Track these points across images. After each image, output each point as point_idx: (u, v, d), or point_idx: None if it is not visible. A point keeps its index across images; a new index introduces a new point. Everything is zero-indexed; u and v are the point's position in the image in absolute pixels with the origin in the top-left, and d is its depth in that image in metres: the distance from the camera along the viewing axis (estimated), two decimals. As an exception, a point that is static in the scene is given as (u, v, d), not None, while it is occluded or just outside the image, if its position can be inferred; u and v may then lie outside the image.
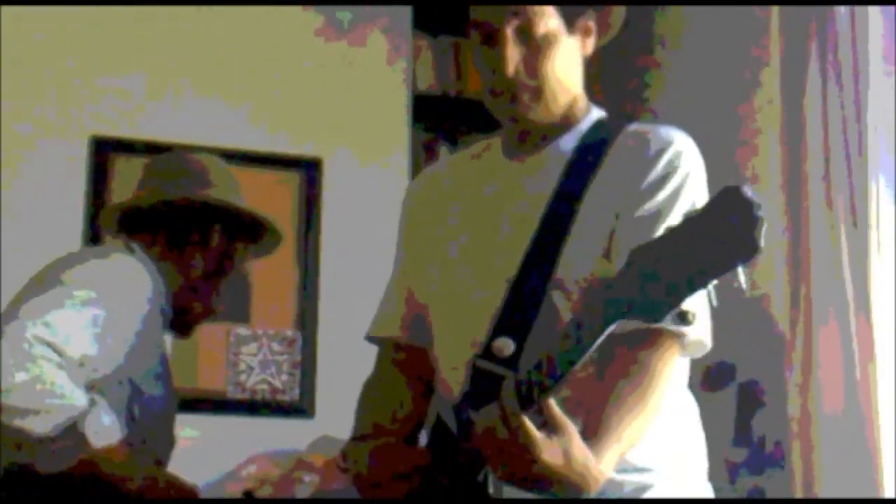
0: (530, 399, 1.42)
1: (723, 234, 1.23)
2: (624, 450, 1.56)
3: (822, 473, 2.79)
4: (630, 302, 1.32)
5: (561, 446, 1.43)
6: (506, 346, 1.65)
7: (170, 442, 2.29)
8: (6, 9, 3.69)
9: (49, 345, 1.92)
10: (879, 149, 2.82)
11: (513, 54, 1.70)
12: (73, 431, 1.91)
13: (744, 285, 1.25)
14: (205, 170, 2.35)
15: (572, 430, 1.45)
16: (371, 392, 1.90)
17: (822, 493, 2.79)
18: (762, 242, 1.22)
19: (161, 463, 2.25)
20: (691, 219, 1.27)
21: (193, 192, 2.30)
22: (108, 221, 2.41)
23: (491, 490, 1.55)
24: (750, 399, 3.23)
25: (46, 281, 2.09)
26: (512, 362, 1.63)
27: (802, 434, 2.85)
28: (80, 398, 1.94)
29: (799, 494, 2.85)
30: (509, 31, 1.70)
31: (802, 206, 2.93)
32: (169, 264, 2.27)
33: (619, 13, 1.82)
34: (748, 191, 1.23)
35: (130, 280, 2.15)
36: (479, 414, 1.49)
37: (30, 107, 3.72)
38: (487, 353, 1.66)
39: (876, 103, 2.83)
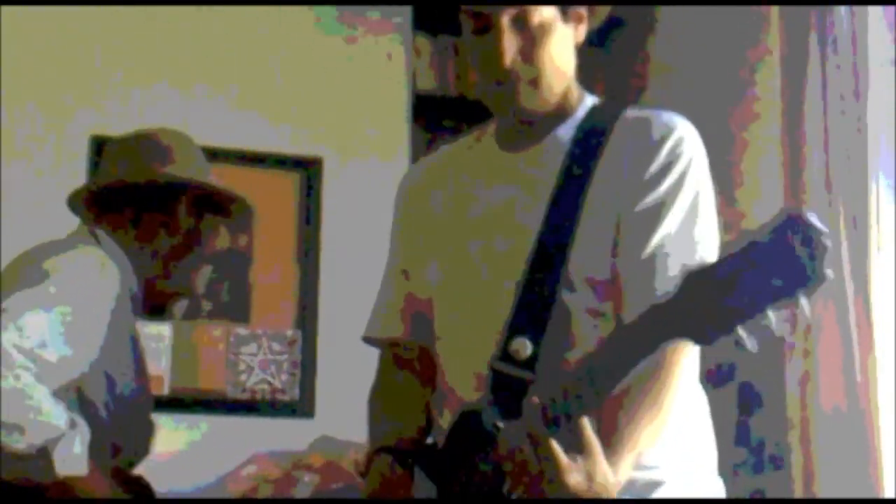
0: (558, 421, 1.41)
1: (785, 260, 1.22)
2: (640, 453, 1.56)
3: (822, 473, 2.79)
4: (683, 324, 1.31)
5: (585, 467, 1.43)
6: (523, 346, 1.63)
7: (148, 429, 2.27)
8: (6, 9, 3.69)
9: (25, 352, 1.88)
10: (879, 149, 2.82)
11: (510, 44, 1.69)
12: (44, 453, 1.85)
13: (807, 312, 1.24)
14: (166, 146, 2.30)
15: (598, 450, 1.45)
16: (381, 398, 1.88)
17: (822, 493, 2.78)
18: (826, 271, 1.21)
19: (142, 451, 2.23)
20: (753, 243, 1.25)
21: (154, 170, 2.26)
22: (75, 206, 2.38)
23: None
24: (750, 399, 3.22)
25: (16, 279, 2.05)
26: (530, 364, 1.62)
27: (802, 434, 2.85)
28: (59, 418, 1.88)
29: (799, 494, 2.85)
30: (505, 21, 1.68)
31: (802, 206, 2.92)
32: (136, 246, 2.23)
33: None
34: (813, 217, 1.23)
35: (97, 273, 2.11)
36: (502, 434, 1.47)
37: (30, 107, 3.71)
38: (504, 354, 1.64)
39: (876, 102, 2.83)
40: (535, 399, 1.44)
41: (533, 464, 1.42)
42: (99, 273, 2.12)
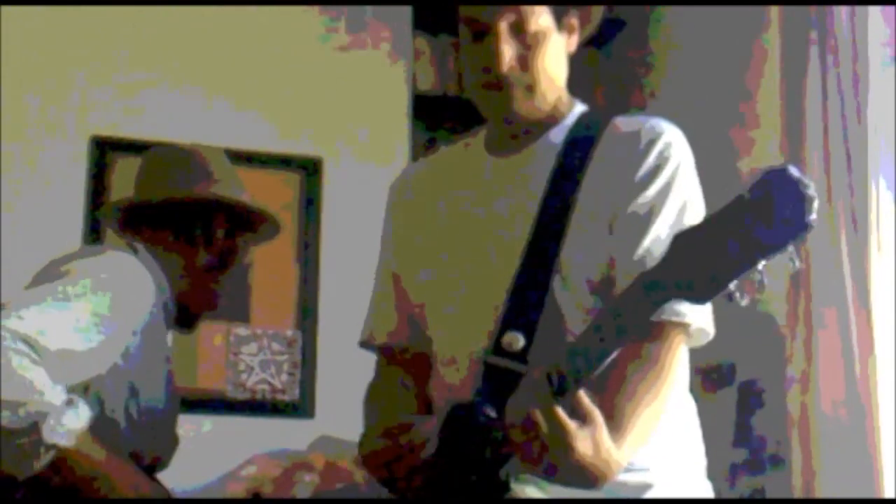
0: (562, 390, 1.42)
1: (772, 213, 1.25)
2: (640, 441, 1.57)
3: (822, 473, 2.79)
4: (677, 284, 1.32)
5: (591, 436, 1.44)
6: (515, 340, 1.65)
7: (172, 441, 2.28)
8: (6, 9, 3.69)
9: (22, 337, 1.86)
10: (879, 149, 2.82)
11: (507, 49, 1.71)
12: (35, 428, 1.84)
13: (796, 264, 1.26)
14: (206, 163, 2.33)
15: (600, 419, 1.46)
16: (376, 399, 1.89)
17: (822, 493, 2.78)
18: (813, 220, 1.23)
19: (163, 463, 2.24)
20: (738, 200, 1.28)
21: (198, 187, 2.29)
22: (109, 218, 2.39)
23: (512, 486, 1.55)
24: (750, 399, 3.23)
25: (38, 278, 2.07)
26: (523, 357, 1.63)
27: (802, 434, 2.85)
28: (54, 396, 1.86)
29: (799, 494, 2.85)
30: (503, 27, 1.71)
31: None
32: (173, 260, 2.25)
33: (598, 10, 1.83)
34: (795, 170, 1.25)
35: (127, 279, 2.12)
36: (509, 406, 1.48)
37: (30, 107, 3.72)
38: (497, 348, 1.66)
39: (876, 103, 2.83)
40: (537, 372, 1.45)
41: (543, 432, 1.43)
42: (130, 280, 2.12)
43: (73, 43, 3.81)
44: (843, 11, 2.89)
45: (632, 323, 1.39)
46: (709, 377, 3.23)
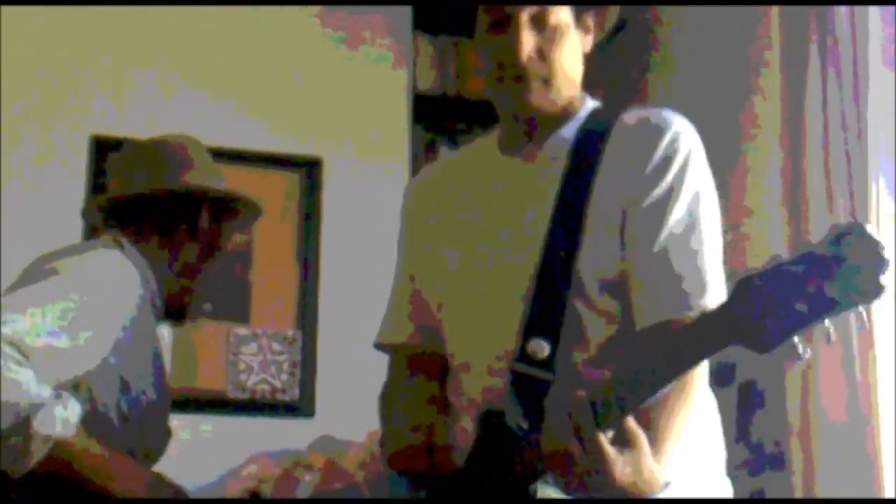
0: (607, 417, 1.42)
1: (844, 271, 1.24)
2: (675, 448, 1.57)
3: (822, 473, 2.79)
4: (741, 330, 1.32)
5: (632, 460, 1.44)
6: (540, 348, 1.65)
7: (164, 435, 2.27)
8: (6, 9, 3.69)
9: (6, 340, 1.86)
10: (879, 149, 2.82)
11: (527, 40, 1.72)
12: (25, 427, 1.84)
13: (866, 324, 1.28)
14: (184, 154, 2.33)
15: (645, 442, 1.46)
16: (394, 402, 1.88)
17: (822, 494, 2.78)
18: (888, 284, 1.23)
19: (154, 456, 2.23)
20: (810, 254, 1.27)
21: (177, 180, 2.28)
22: (92, 215, 2.39)
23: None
24: (750, 399, 3.22)
25: (25, 275, 2.07)
26: (549, 364, 1.64)
27: (802, 434, 2.85)
28: (38, 393, 1.86)
29: (799, 494, 2.84)
30: (524, 17, 1.72)
31: (802, 206, 2.92)
32: (160, 254, 2.25)
33: (613, 14, 1.84)
34: (872, 230, 1.24)
35: (113, 275, 2.12)
36: (546, 430, 1.48)
37: (30, 107, 3.72)
38: (523, 356, 1.66)
39: (876, 103, 2.82)
40: (582, 393, 1.45)
41: (580, 457, 1.42)
42: (116, 276, 2.13)
43: (73, 43, 3.81)
44: (843, 11, 2.89)
45: (686, 361, 1.38)
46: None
